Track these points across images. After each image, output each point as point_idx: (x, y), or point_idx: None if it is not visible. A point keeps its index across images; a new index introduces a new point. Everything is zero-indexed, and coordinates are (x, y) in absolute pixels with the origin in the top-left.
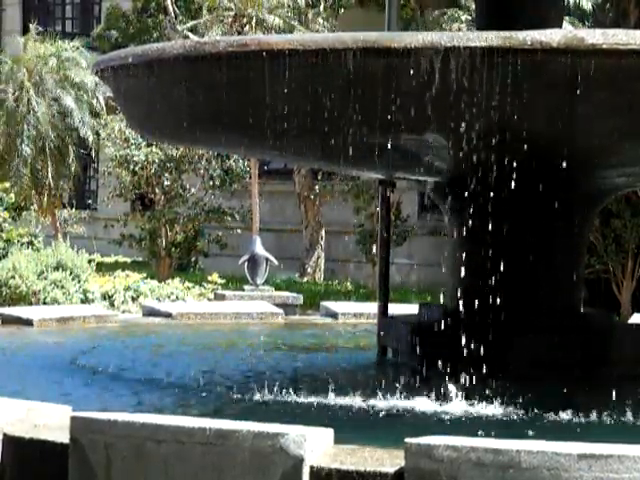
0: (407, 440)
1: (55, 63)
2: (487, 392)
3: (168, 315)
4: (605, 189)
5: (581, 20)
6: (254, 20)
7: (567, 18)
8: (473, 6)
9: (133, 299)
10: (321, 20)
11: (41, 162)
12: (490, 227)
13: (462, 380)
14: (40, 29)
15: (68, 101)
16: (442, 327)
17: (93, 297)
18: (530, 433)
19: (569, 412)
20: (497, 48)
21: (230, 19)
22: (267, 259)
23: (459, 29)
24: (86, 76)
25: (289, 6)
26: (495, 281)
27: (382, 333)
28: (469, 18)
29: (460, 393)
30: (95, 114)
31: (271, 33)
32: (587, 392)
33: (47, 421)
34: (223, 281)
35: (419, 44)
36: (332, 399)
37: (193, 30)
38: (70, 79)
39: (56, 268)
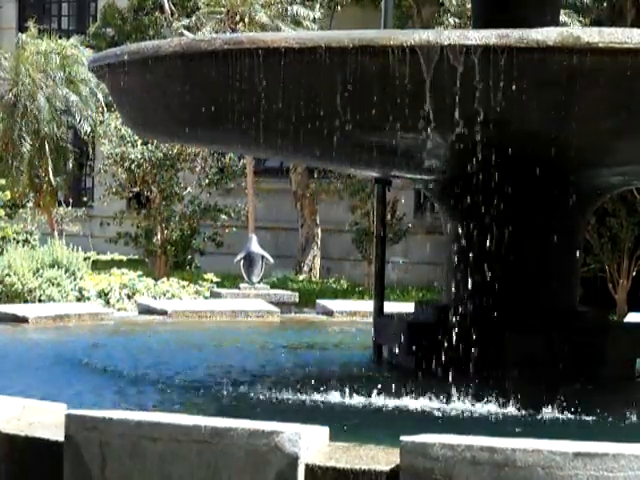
0: (402, 438)
1: (58, 60)
2: (482, 390)
3: (164, 313)
4: (601, 188)
5: (577, 12)
6: (247, 18)
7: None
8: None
9: (129, 297)
10: (316, 15)
11: (39, 159)
12: (485, 226)
13: (457, 378)
14: (38, 26)
15: (73, 98)
16: (437, 325)
17: (89, 295)
18: (525, 432)
19: (564, 411)
20: (493, 46)
21: (223, 15)
22: (263, 257)
23: (460, 25)
24: (86, 73)
25: (281, 3)
26: (490, 279)
27: (378, 331)
28: (458, 21)
29: (455, 391)
30: (93, 111)
31: (265, 31)
32: (582, 391)
33: (42, 419)
34: (219, 279)
35: (415, 42)
36: (327, 397)
37: (189, 28)
38: (77, 76)
39: (52, 266)
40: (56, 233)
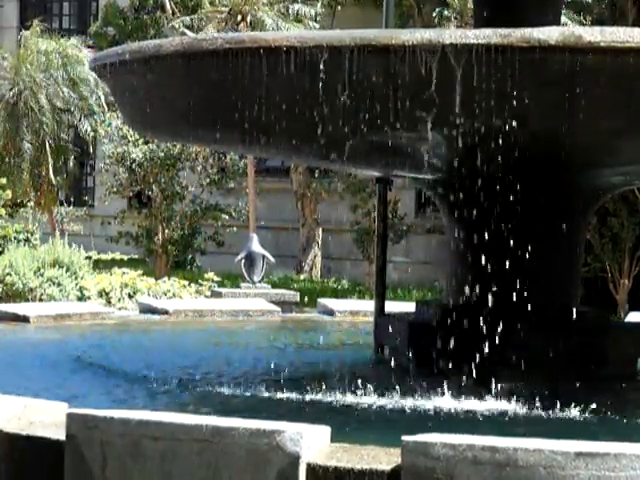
0: (404, 438)
1: (59, 59)
2: (484, 390)
3: (165, 312)
4: (602, 188)
5: (578, 12)
6: (249, 17)
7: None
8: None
9: (130, 296)
10: (317, 11)
11: (40, 159)
12: (486, 225)
13: (459, 378)
14: (41, 25)
15: (74, 98)
16: (439, 325)
17: (89, 294)
18: (526, 431)
19: (565, 410)
20: (495, 45)
21: (224, 15)
22: (264, 257)
23: (461, 25)
24: (88, 72)
25: (283, 1)
26: (492, 279)
27: (379, 331)
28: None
29: (457, 391)
30: (93, 111)
31: (267, 31)
32: (583, 390)
33: (43, 418)
34: (219, 279)
35: (417, 42)
36: (328, 397)
37: (190, 27)
38: (78, 75)
39: (53, 265)
40: (57, 232)
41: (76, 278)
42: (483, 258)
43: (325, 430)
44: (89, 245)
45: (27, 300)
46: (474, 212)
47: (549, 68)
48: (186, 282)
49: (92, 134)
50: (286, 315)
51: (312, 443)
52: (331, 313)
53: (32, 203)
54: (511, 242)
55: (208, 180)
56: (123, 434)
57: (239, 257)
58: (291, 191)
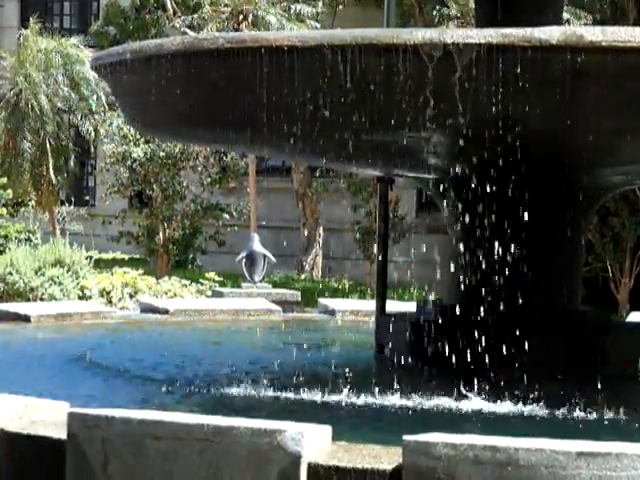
0: (405, 437)
1: (59, 59)
2: (484, 389)
3: (165, 312)
4: (603, 187)
5: (581, 8)
6: (251, 17)
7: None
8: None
9: (131, 296)
10: (318, 10)
11: (41, 158)
12: (487, 225)
13: (460, 378)
14: (40, 21)
15: (74, 97)
16: (439, 325)
17: (91, 294)
18: (528, 430)
19: (566, 410)
20: (496, 45)
21: (226, 15)
22: (265, 256)
23: (461, 25)
24: (88, 72)
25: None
26: (493, 279)
27: (380, 330)
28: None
29: (457, 390)
30: (93, 110)
31: (269, 30)
32: (584, 390)
33: (45, 417)
34: (220, 278)
35: (419, 41)
36: (329, 396)
37: (192, 27)
38: (79, 75)
39: (54, 264)
40: (58, 232)
41: (77, 277)
42: (484, 258)
43: (326, 430)
44: (90, 244)
45: (28, 300)
46: (475, 212)
47: (550, 68)
48: (187, 282)
49: (93, 133)
50: (287, 315)
51: (313, 442)
52: (332, 313)
53: (33, 203)
54: (512, 242)
55: (209, 179)
56: (124, 433)
57: (240, 257)
58: (292, 190)
